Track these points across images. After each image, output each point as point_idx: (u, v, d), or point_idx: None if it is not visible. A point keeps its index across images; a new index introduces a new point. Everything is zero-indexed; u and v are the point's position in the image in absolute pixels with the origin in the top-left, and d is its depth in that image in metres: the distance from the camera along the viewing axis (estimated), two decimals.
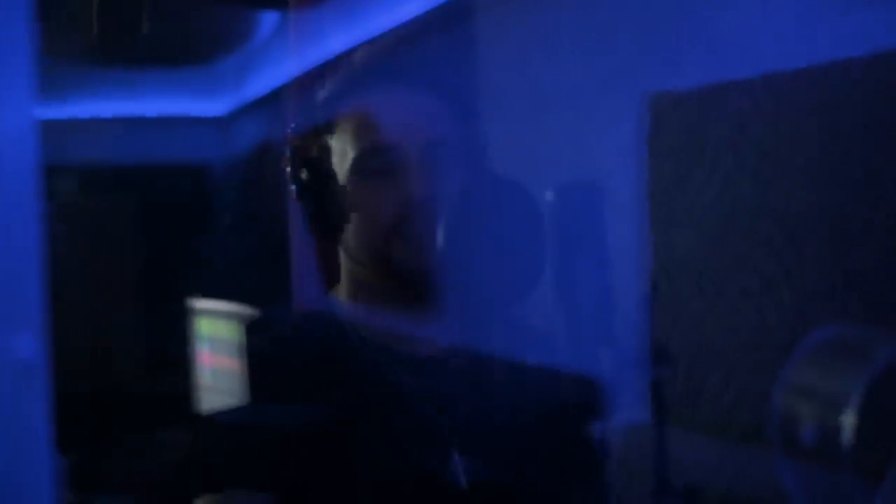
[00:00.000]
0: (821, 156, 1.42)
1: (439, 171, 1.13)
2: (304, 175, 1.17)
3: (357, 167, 1.13)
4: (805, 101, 1.43)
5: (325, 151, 1.18)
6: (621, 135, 1.74)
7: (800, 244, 1.44)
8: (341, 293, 1.22)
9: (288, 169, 1.20)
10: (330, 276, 1.28)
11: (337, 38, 2.39)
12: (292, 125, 1.22)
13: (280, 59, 2.96)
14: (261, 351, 1.24)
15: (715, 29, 1.55)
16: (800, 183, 1.45)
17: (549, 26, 1.89)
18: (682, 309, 1.61)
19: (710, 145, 1.59)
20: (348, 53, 2.24)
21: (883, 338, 0.78)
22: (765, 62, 1.46)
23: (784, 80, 1.44)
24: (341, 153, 1.16)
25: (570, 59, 1.87)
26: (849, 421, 0.74)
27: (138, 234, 2.86)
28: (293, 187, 1.19)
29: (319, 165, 1.18)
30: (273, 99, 2.93)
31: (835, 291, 1.39)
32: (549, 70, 1.88)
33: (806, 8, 1.40)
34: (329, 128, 1.17)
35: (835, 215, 1.40)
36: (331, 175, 1.16)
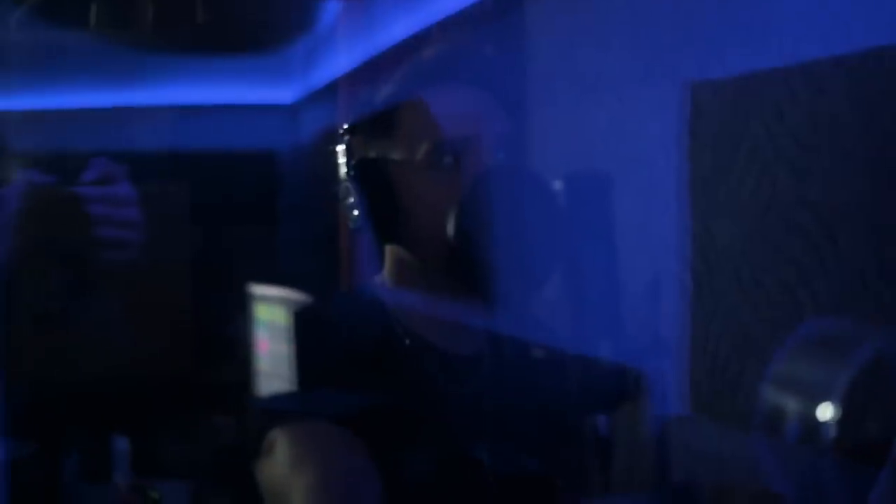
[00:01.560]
0: (857, 146, 1.39)
1: (498, 164, 1.14)
2: (362, 169, 1.19)
3: (427, 161, 1.15)
4: (842, 90, 1.40)
5: (387, 145, 1.19)
6: (664, 124, 1.73)
7: (836, 236, 1.42)
8: (390, 282, 1.24)
9: (344, 161, 1.22)
10: (378, 267, 1.30)
11: (396, 27, 2.41)
12: (351, 117, 1.25)
13: (346, 47, 2.99)
14: (306, 337, 1.27)
15: (753, 17, 1.53)
16: (836, 174, 1.42)
17: (593, 16, 1.88)
18: (721, 300, 1.60)
19: (748, 135, 1.57)
20: (408, 44, 2.26)
21: (867, 331, 0.77)
22: (802, 50, 1.44)
23: (821, 68, 1.42)
24: (405, 147, 1.18)
25: (613, 49, 1.86)
26: (829, 413, 0.73)
27: (201, 220, 2.93)
28: (349, 182, 1.21)
29: (380, 159, 1.19)
30: (339, 87, 2.97)
31: (869, 284, 1.36)
32: (592, 60, 1.87)
33: None
34: (391, 120, 1.19)
35: (871, 207, 1.37)
36: (393, 172, 1.17)
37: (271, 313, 2.44)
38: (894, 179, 1.33)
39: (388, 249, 1.24)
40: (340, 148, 1.24)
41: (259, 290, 2.47)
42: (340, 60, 2.95)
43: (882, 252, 1.35)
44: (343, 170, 1.23)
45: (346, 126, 1.24)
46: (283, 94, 3.45)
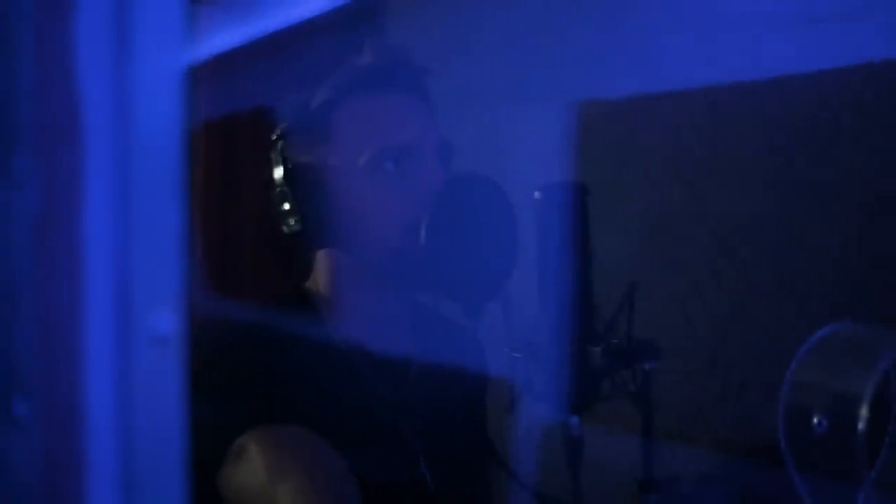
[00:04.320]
0: (755, 165, 1.48)
1: (442, 169, 1.13)
2: (300, 174, 1.15)
3: (368, 168, 1.12)
4: (742, 114, 1.49)
5: (325, 150, 1.16)
6: (544, 140, 1.77)
7: (733, 250, 1.50)
8: (324, 288, 1.20)
9: (280, 169, 1.17)
10: (305, 274, 1.25)
11: (239, 32, 2.33)
12: (278, 130, 1.20)
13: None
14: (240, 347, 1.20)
15: (652, 41, 1.60)
16: (733, 193, 1.51)
17: (460, 30, 1.90)
18: (609, 311, 1.65)
19: (640, 153, 1.64)
20: (257, 46, 2.19)
21: (886, 335, 0.83)
22: (702, 75, 1.52)
23: (721, 92, 1.50)
24: (345, 153, 1.15)
25: (485, 64, 1.88)
26: (863, 412, 0.77)
27: None
28: (283, 187, 1.16)
29: (319, 164, 1.16)
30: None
31: (767, 297, 1.45)
32: (460, 73, 1.89)
33: (747, 25, 1.46)
34: (328, 126, 1.16)
35: (770, 223, 1.46)
36: (332, 178, 1.14)
37: None
38: (793, 198, 1.42)
39: (322, 255, 1.20)
40: (272, 153, 1.20)
41: None
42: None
43: (781, 266, 1.44)
44: (277, 175, 1.18)
45: (278, 131, 1.20)
46: None
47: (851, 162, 1.34)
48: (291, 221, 1.17)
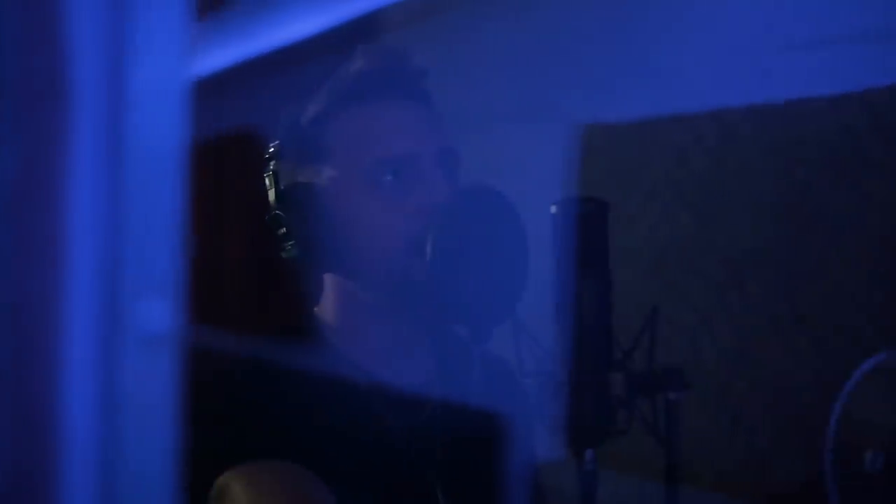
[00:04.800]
0: (768, 193, 1.42)
1: (449, 180, 1.05)
2: (294, 195, 1.07)
3: (374, 176, 1.04)
4: (754, 137, 1.43)
5: (319, 168, 1.08)
6: (547, 163, 1.71)
7: (743, 281, 1.44)
8: (331, 315, 1.12)
9: (272, 188, 1.10)
10: (311, 301, 1.18)
11: (233, 50, 2.28)
12: (270, 149, 1.12)
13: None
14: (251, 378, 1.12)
15: (659, 63, 1.54)
16: (744, 219, 1.45)
17: (464, 51, 1.84)
18: (634, 338, 1.57)
19: (646, 177, 1.57)
20: (253, 66, 2.12)
21: None
22: (712, 98, 1.46)
23: (732, 115, 1.44)
24: (340, 168, 1.07)
25: (489, 86, 1.83)
26: None
27: None
28: (279, 210, 1.09)
29: (313, 183, 1.08)
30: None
31: (781, 331, 1.39)
32: (464, 95, 1.83)
33: (758, 46, 1.41)
34: (321, 141, 1.08)
35: (783, 253, 1.40)
36: (330, 199, 1.06)
37: None
38: (809, 226, 1.36)
39: (328, 279, 1.12)
40: (266, 175, 1.12)
41: None
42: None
43: (795, 299, 1.38)
44: (271, 197, 1.11)
45: (270, 150, 1.12)
46: None
47: (873, 189, 1.29)
48: (288, 246, 1.09)
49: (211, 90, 2.16)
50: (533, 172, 1.69)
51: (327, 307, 1.12)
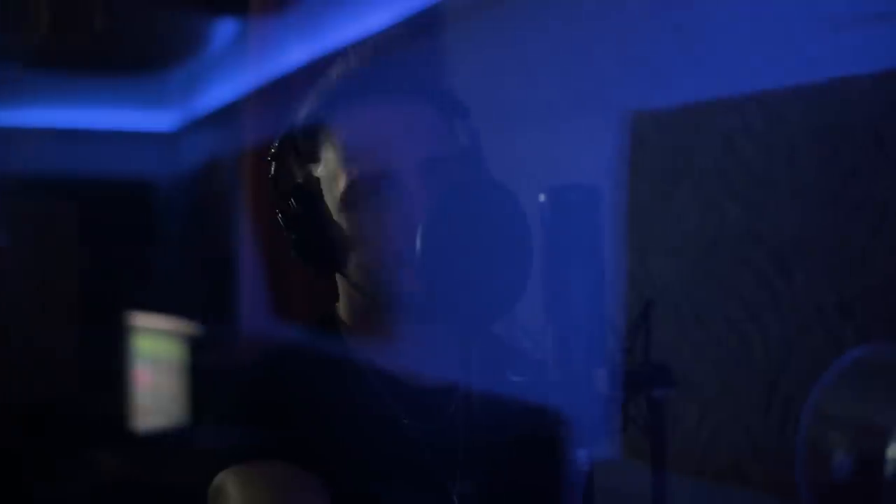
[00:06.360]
0: (816, 179, 1.35)
1: (440, 188, 1.01)
2: (291, 204, 1.06)
3: (350, 197, 1.02)
4: (801, 121, 1.36)
5: (314, 170, 1.07)
6: (597, 155, 1.67)
7: (790, 271, 1.37)
8: (345, 316, 1.12)
9: (273, 197, 1.10)
10: (326, 301, 1.18)
11: (302, 49, 2.30)
12: (272, 149, 1.12)
13: (238, 72, 2.85)
14: (266, 375, 1.12)
15: (704, 47, 1.49)
16: (791, 207, 1.38)
17: (517, 45, 1.81)
18: (658, 338, 1.53)
19: (693, 167, 1.52)
20: (322, 65, 2.14)
21: None
22: (757, 81, 1.40)
23: (779, 98, 1.38)
24: (331, 179, 1.06)
25: (541, 78, 1.79)
26: (892, 452, 0.65)
27: (78, 245, 2.71)
28: (280, 217, 1.09)
29: (308, 193, 1.07)
30: (228, 115, 2.82)
31: (827, 321, 1.32)
32: (523, 85, 1.81)
33: (800, 25, 1.34)
34: (314, 150, 1.07)
35: (830, 242, 1.33)
36: (322, 204, 1.05)
37: (155, 346, 2.22)
38: (855, 213, 1.29)
39: (339, 280, 1.11)
40: (270, 177, 1.12)
41: (142, 320, 2.26)
42: (231, 86, 2.81)
43: (841, 288, 1.30)
44: (272, 198, 1.11)
45: (271, 153, 1.12)
46: (163, 121, 3.30)
47: None
48: (291, 247, 1.09)
49: (277, 90, 2.19)
50: (583, 166, 1.66)
51: (342, 307, 1.11)
